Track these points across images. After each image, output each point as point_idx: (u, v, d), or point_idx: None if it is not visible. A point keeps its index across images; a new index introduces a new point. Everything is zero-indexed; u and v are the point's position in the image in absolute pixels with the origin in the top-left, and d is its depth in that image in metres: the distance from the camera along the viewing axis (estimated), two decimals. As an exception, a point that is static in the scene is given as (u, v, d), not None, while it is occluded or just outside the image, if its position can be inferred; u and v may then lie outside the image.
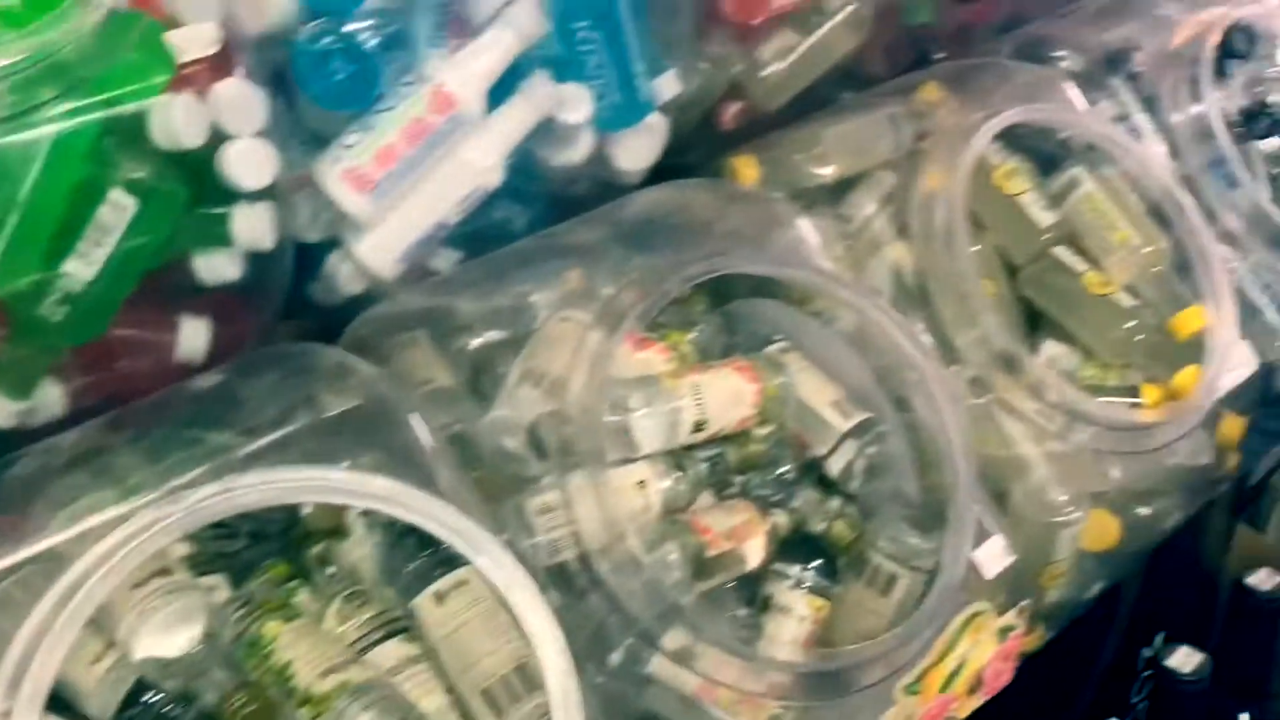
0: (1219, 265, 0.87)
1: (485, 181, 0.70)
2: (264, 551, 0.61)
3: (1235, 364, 0.87)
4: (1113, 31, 1.05)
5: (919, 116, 0.95)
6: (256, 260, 0.64)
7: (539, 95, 0.72)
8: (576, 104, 0.75)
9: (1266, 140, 0.98)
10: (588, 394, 0.63)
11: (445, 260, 0.77)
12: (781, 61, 0.89)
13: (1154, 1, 1.12)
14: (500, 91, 0.72)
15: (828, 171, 0.90)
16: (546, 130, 0.76)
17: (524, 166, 0.79)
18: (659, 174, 0.89)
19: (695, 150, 0.94)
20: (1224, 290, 0.85)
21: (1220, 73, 1.01)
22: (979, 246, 0.91)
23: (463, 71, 0.67)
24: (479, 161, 0.69)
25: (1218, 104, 0.98)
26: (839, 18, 0.90)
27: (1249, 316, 0.93)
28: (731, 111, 0.91)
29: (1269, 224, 0.92)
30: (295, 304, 0.74)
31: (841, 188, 0.92)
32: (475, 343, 0.70)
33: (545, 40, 0.74)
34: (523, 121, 0.71)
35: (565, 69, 0.76)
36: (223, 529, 0.58)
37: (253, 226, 0.62)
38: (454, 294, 0.72)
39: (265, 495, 0.51)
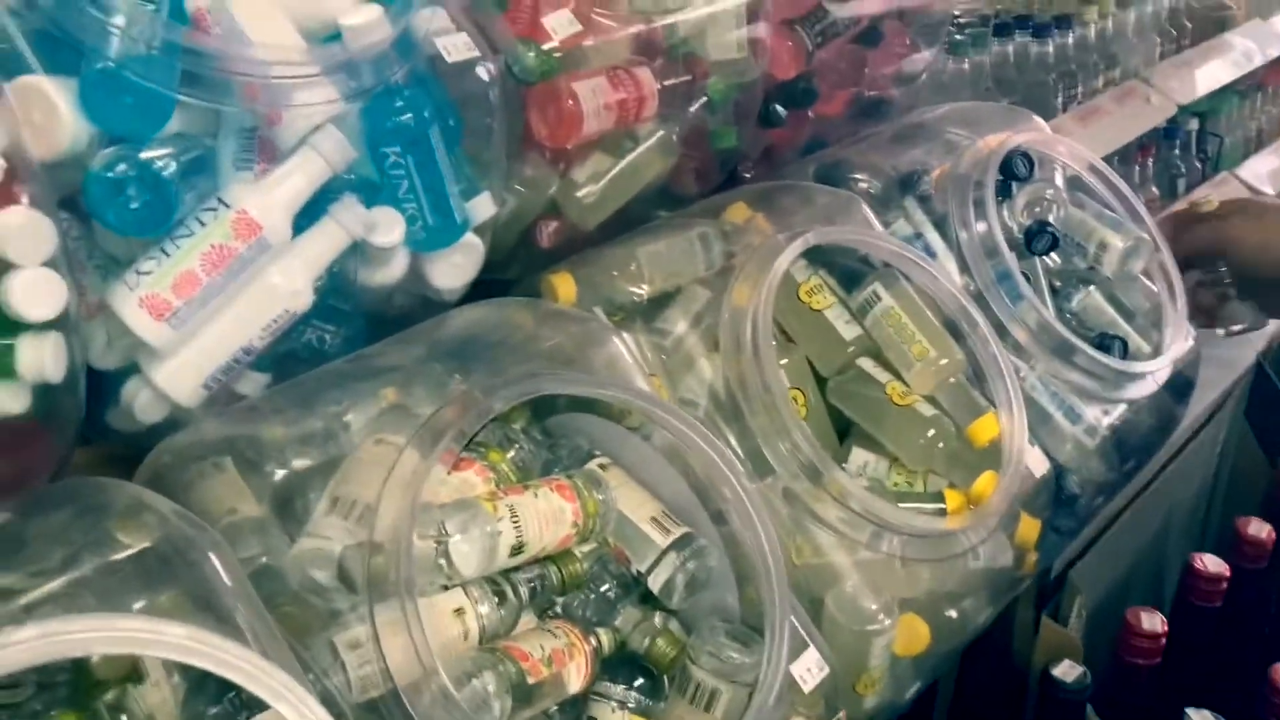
0: (1009, 375, 0.92)
1: (292, 306, 0.69)
2: (51, 700, 0.58)
3: (1028, 468, 0.92)
4: (906, 155, 1.12)
5: (728, 235, 0.98)
6: (46, 391, 0.61)
7: (348, 219, 0.72)
8: (388, 227, 0.75)
9: (1047, 256, 1.05)
10: (399, 521, 0.61)
11: (253, 384, 0.75)
12: (595, 184, 0.92)
13: (943, 128, 1.20)
14: (310, 214, 0.71)
15: (643, 289, 0.92)
16: (359, 251, 0.76)
17: (337, 286, 0.78)
18: (478, 290, 0.90)
19: (514, 266, 0.95)
20: (1015, 399, 0.91)
21: (1003, 194, 1.08)
22: (789, 359, 0.94)
23: (267, 197, 0.66)
24: (284, 286, 0.68)
25: (1001, 223, 1.05)
26: (649, 143, 0.94)
27: (1040, 422, 0.99)
28: (549, 230, 0.93)
29: (1052, 335, 0.98)
30: (94, 430, 0.70)
31: (657, 303, 0.94)
32: (284, 469, 0.68)
33: (357, 163, 0.74)
34: (331, 245, 0.71)
35: (377, 192, 0.76)
36: (4, 678, 0.54)
37: (40, 358, 0.59)
38: (261, 419, 0.70)
39: (47, 649, 0.48)
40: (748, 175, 1.15)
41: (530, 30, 0.83)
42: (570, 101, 0.83)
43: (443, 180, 0.77)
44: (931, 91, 1.41)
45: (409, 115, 0.74)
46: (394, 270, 0.80)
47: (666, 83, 0.92)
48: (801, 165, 1.13)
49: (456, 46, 0.76)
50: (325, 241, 0.70)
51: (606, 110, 0.86)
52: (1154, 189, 1.78)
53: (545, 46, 0.82)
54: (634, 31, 0.89)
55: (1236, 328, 1.27)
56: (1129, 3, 1.63)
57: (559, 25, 0.82)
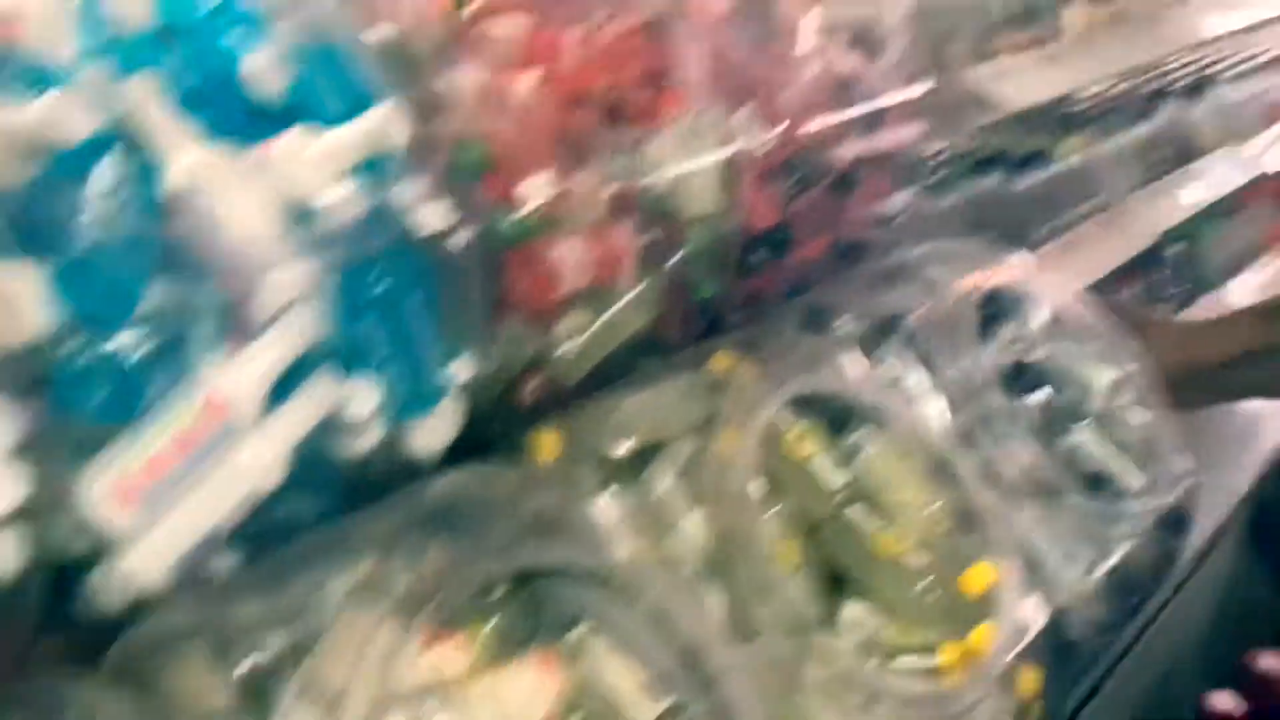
0: (999, 520, 0.91)
1: (263, 484, 0.68)
2: None
3: (1025, 617, 0.89)
4: (889, 296, 1.12)
5: (713, 385, 0.98)
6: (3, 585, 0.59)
7: (322, 394, 0.71)
8: (363, 399, 0.74)
9: (1031, 395, 1.05)
10: (371, 712, 0.59)
11: (224, 564, 0.73)
12: (576, 340, 0.92)
13: (924, 267, 1.20)
14: (283, 388, 0.71)
15: (628, 442, 0.92)
16: (334, 422, 0.75)
17: (311, 458, 0.77)
18: (461, 449, 0.89)
19: (497, 423, 0.94)
20: (1006, 544, 0.89)
21: (986, 332, 1.08)
22: (777, 509, 0.93)
23: (238, 376, 0.66)
24: (255, 465, 0.67)
25: (986, 362, 1.05)
26: (628, 297, 0.94)
27: (1035, 566, 0.96)
28: (531, 386, 0.93)
29: (1043, 477, 0.97)
30: (59, 620, 0.68)
31: (643, 456, 0.94)
32: (254, 654, 0.66)
33: (332, 334, 0.74)
34: (304, 421, 0.70)
35: (352, 361, 0.75)
36: None
37: None
38: (232, 601, 0.69)
39: None
40: (733, 321, 1.15)
41: (508, 195, 0.84)
42: (548, 264, 0.84)
43: (419, 348, 0.77)
44: (914, 229, 1.42)
45: (385, 286, 0.74)
46: (370, 439, 0.79)
47: (644, 239, 0.92)
48: (786, 310, 1.14)
49: (431, 216, 0.76)
50: (298, 418, 0.69)
51: (584, 269, 0.86)
52: (1142, 313, 1.78)
53: (522, 211, 0.83)
54: (611, 193, 0.90)
55: None
56: (1104, 134, 1.66)
57: (535, 190, 0.82)
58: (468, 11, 1.01)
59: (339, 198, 0.71)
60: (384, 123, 0.72)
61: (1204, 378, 1.24)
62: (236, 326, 0.69)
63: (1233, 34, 1.90)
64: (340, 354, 0.75)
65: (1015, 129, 1.80)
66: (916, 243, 1.29)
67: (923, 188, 1.46)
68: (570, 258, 0.85)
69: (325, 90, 0.76)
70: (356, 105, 0.75)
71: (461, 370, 0.83)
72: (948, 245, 1.25)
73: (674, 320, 1.05)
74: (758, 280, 1.13)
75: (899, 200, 1.26)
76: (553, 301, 0.87)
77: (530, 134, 0.86)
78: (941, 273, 1.17)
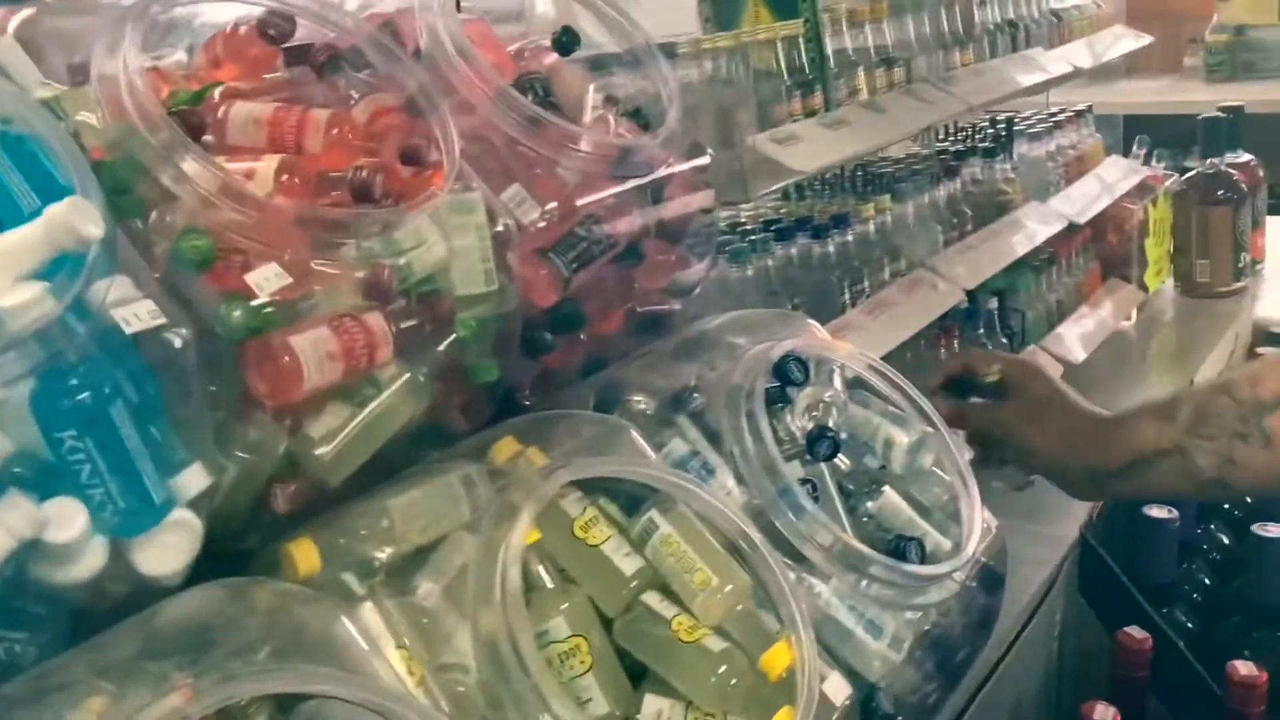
0: (797, 597, 0.87)
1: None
2: None
3: (828, 696, 0.85)
4: (684, 369, 1.09)
5: (495, 473, 0.92)
6: None
7: (13, 520, 0.64)
8: (66, 521, 0.67)
9: (830, 461, 1.02)
10: None
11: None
12: (335, 438, 0.85)
13: (723, 336, 1.18)
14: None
15: (397, 546, 0.85)
16: (40, 548, 0.67)
17: (20, 588, 0.69)
18: (213, 566, 0.81)
19: (252, 535, 0.87)
20: (802, 624, 0.85)
21: (783, 400, 1.05)
22: (569, 603, 0.87)
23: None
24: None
25: (785, 429, 1.02)
26: (393, 388, 0.88)
27: (841, 641, 0.93)
28: (287, 492, 0.86)
29: (844, 547, 0.93)
30: None
31: (418, 557, 0.87)
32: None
33: (29, 451, 0.67)
34: (-12, 553, 0.62)
35: (56, 481, 0.68)
36: None
37: None
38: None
39: None
40: (528, 403, 1.10)
41: (239, 285, 0.78)
42: (286, 357, 0.77)
43: (132, 459, 0.70)
44: (718, 298, 1.41)
45: (84, 394, 0.67)
46: (89, 563, 0.71)
47: (404, 325, 0.87)
48: (579, 390, 1.09)
49: (139, 315, 0.70)
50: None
51: (331, 361, 0.80)
52: (962, 369, 1.79)
53: (254, 302, 0.77)
54: (360, 277, 0.85)
55: (999, 484, 1.27)
56: (904, 197, 1.68)
57: (265, 280, 0.76)
58: (216, 93, 0.96)
59: (24, 299, 0.64)
60: (72, 218, 0.65)
61: (1103, 477, 1.22)
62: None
63: (1027, 91, 1.97)
64: (42, 472, 0.68)
65: (820, 193, 1.82)
66: (719, 312, 1.27)
67: (728, 256, 1.45)
68: (314, 350, 0.79)
69: (12, 184, 0.69)
70: (50, 199, 0.69)
71: (192, 481, 0.76)
72: (749, 314, 1.23)
73: (455, 408, 0.99)
74: (551, 357, 1.09)
75: (696, 270, 1.24)
76: (301, 398, 0.81)
77: (270, 221, 0.80)
78: (741, 342, 1.14)
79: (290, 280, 0.77)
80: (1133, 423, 1.20)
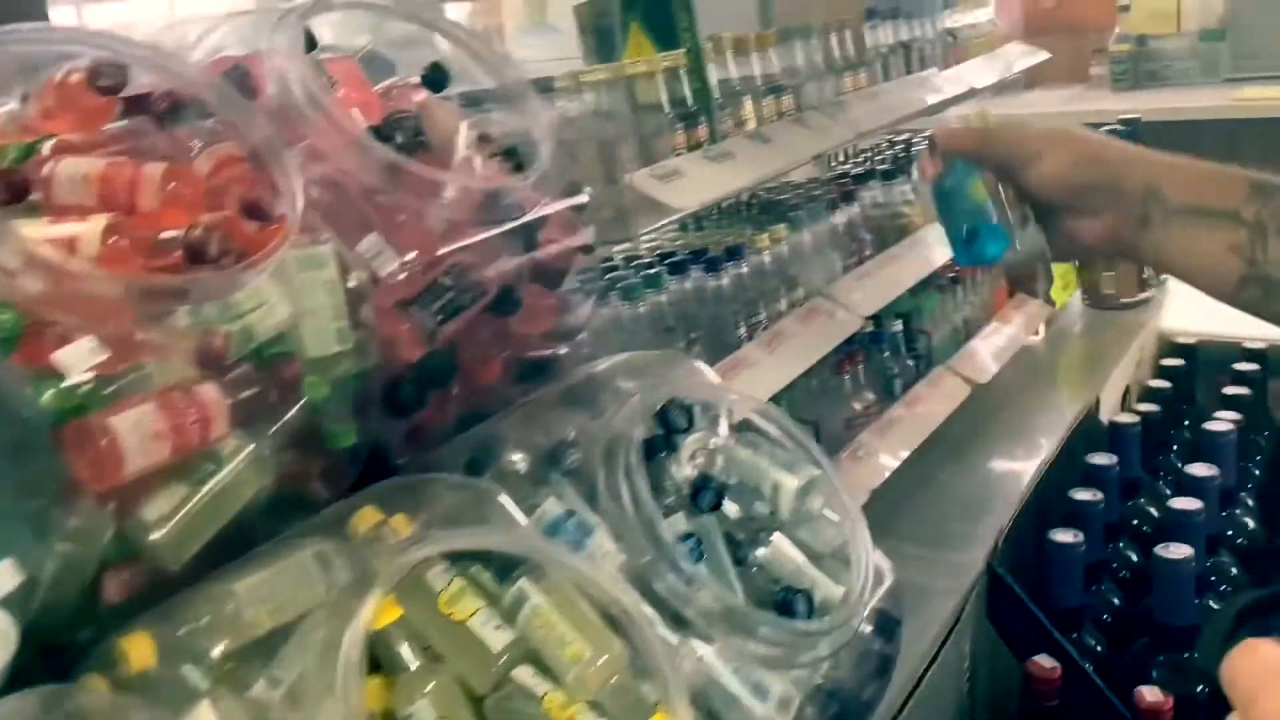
0: (675, 665, 0.82)
1: None
2: None
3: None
4: (564, 420, 1.04)
5: (356, 545, 0.87)
6: None
7: None
8: None
9: (716, 512, 0.98)
10: None
11: None
12: (172, 520, 0.79)
13: (612, 380, 1.13)
14: None
15: (245, 632, 0.79)
16: None
17: None
18: (48, 661, 0.75)
19: (85, 629, 0.80)
20: (677, 693, 0.80)
21: (669, 449, 1.01)
22: (434, 683, 0.82)
23: None
24: None
25: (670, 479, 0.98)
26: (235, 462, 0.82)
27: (728, 706, 0.88)
28: (119, 581, 0.79)
29: (727, 607, 0.89)
30: None
31: (271, 643, 0.81)
32: None
33: None
34: None
35: None
36: None
37: None
38: None
39: None
40: (401, 465, 1.04)
41: (51, 365, 0.71)
42: (104, 440, 0.71)
43: (-80, 566, 0.63)
44: (612, 336, 1.37)
45: None
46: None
47: (245, 394, 0.81)
48: (456, 446, 1.04)
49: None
50: None
51: (158, 440, 0.74)
52: (869, 394, 1.78)
53: (66, 383, 0.71)
54: (193, 345, 0.79)
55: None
56: (800, 225, 1.66)
57: (77, 358, 0.70)
58: (47, 147, 0.89)
59: None
60: None
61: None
62: None
63: (923, 112, 1.96)
64: None
65: (717, 221, 1.79)
66: (612, 351, 1.23)
67: (620, 293, 1.41)
68: (136, 430, 0.73)
69: None
70: None
71: (5, 579, 0.69)
72: (636, 356, 1.18)
73: (316, 476, 0.93)
74: (423, 416, 1.04)
75: (579, 313, 1.20)
76: (123, 482, 0.74)
77: (85, 292, 0.74)
78: (628, 386, 1.10)
79: (106, 356, 0.71)
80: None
